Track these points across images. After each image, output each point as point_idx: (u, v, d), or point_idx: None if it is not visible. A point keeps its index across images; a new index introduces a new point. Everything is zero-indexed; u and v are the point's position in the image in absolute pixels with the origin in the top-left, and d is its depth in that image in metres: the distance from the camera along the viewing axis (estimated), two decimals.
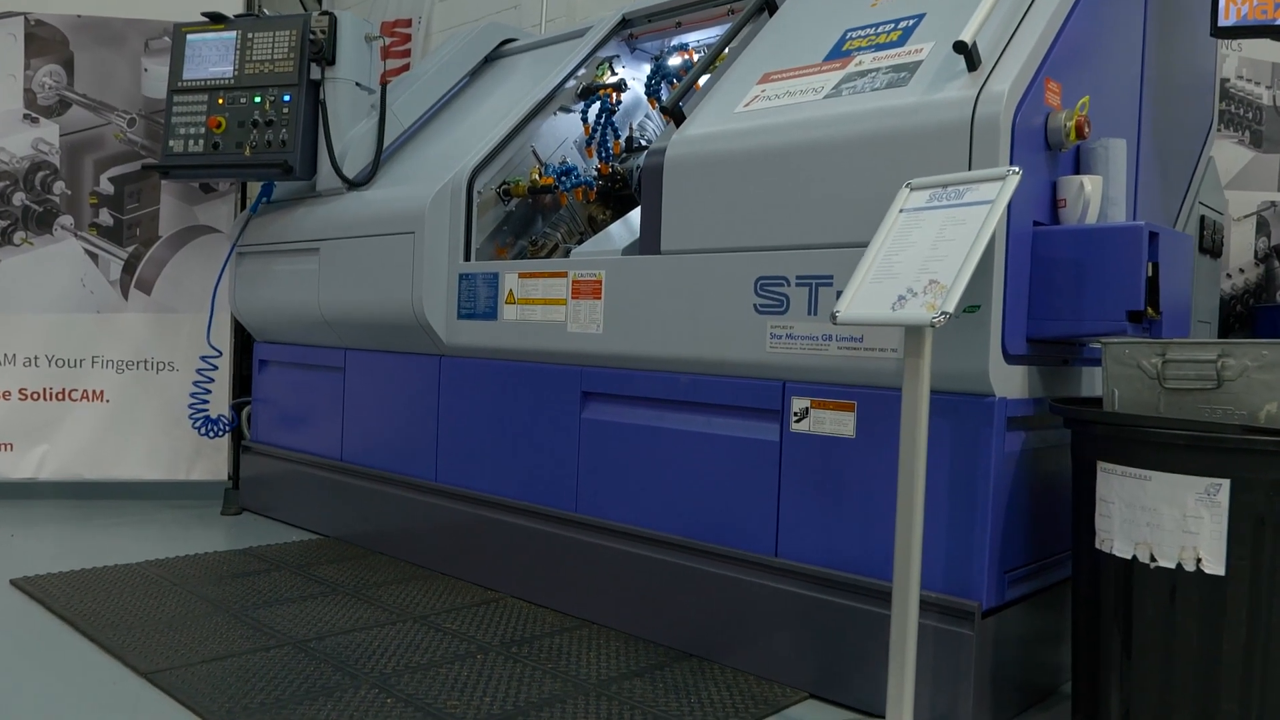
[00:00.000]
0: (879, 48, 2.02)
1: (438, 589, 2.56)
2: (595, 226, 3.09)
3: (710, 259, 2.06)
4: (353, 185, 3.05)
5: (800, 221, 1.91)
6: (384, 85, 3.15)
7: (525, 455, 2.50)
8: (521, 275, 2.49)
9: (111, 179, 3.54)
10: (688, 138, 2.16)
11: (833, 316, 1.62)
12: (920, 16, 2.02)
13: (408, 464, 2.87)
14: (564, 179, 2.78)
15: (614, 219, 3.09)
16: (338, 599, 2.42)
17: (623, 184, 3.02)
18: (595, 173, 2.94)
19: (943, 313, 1.46)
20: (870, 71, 1.95)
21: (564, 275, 2.38)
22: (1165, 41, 2.27)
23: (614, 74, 3.06)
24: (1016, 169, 1.56)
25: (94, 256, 3.54)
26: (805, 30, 2.27)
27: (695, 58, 2.80)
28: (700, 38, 2.96)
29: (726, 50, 2.40)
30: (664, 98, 2.85)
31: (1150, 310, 1.69)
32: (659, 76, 2.81)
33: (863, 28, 2.12)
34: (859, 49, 2.06)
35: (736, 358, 2.02)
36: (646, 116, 3.28)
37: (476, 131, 2.96)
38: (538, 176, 2.75)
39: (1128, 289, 1.65)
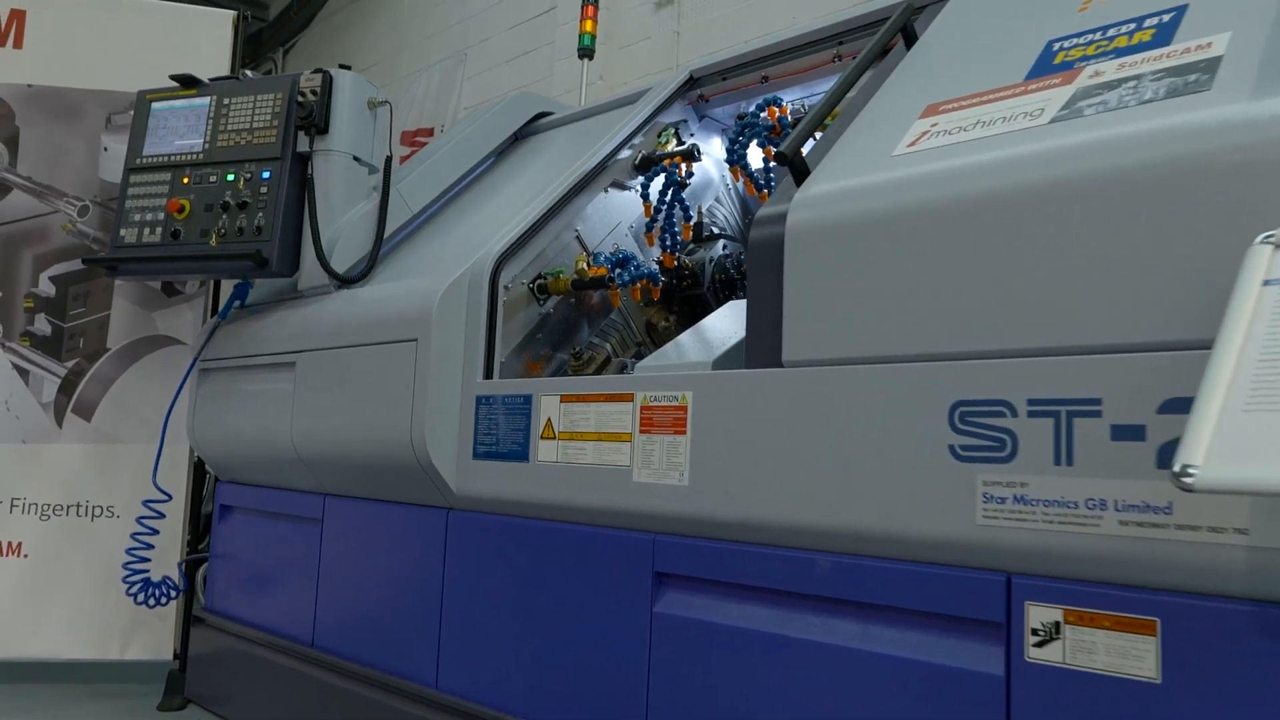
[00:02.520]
0: (1123, 52, 1.32)
1: None
2: (656, 337, 2.37)
3: (869, 374, 1.31)
4: (343, 281, 2.36)
5: (1036, 309, 1.17)
6: (388, 160, 2.50)
7: (566, 661, 1.71)
8: (565, 398, 1.75)
9: (53, 278, 2.88)
10: (819, 196, 1.45)
11: (1179, 477, 0.86)
12: (1182, 8, 1.34)
13: (399, 659, 2.07)
14: (620, 271, 2.07)
15: (679, 327, 2.37)
16: None
17: (691, 281, 2.31)
18: (657, 265, 2.24)
19: None
20: (1126, 80, 1.25)
21: (629, 399, 1.64)
22: None
23: (680, 143, 2.40)
24: None
25: (24, 373, 2.84)
26: (976, 51, 1.60)
27: (789, 115, 2.14)
28: (793, 97, 2.30)
29: (851, 93, 1.73)
30: (751, 166, 2.16)
31: None
32: (747, 135, 2.13)
33: (1079, 35, 1.43)
34: (1086, 58, 1.37)
35: (919, 531, 1.25)
36: (717, 200, 2.60)
37: (504, 213, 2.28)
38: (585, 266, 2.05)
39: None
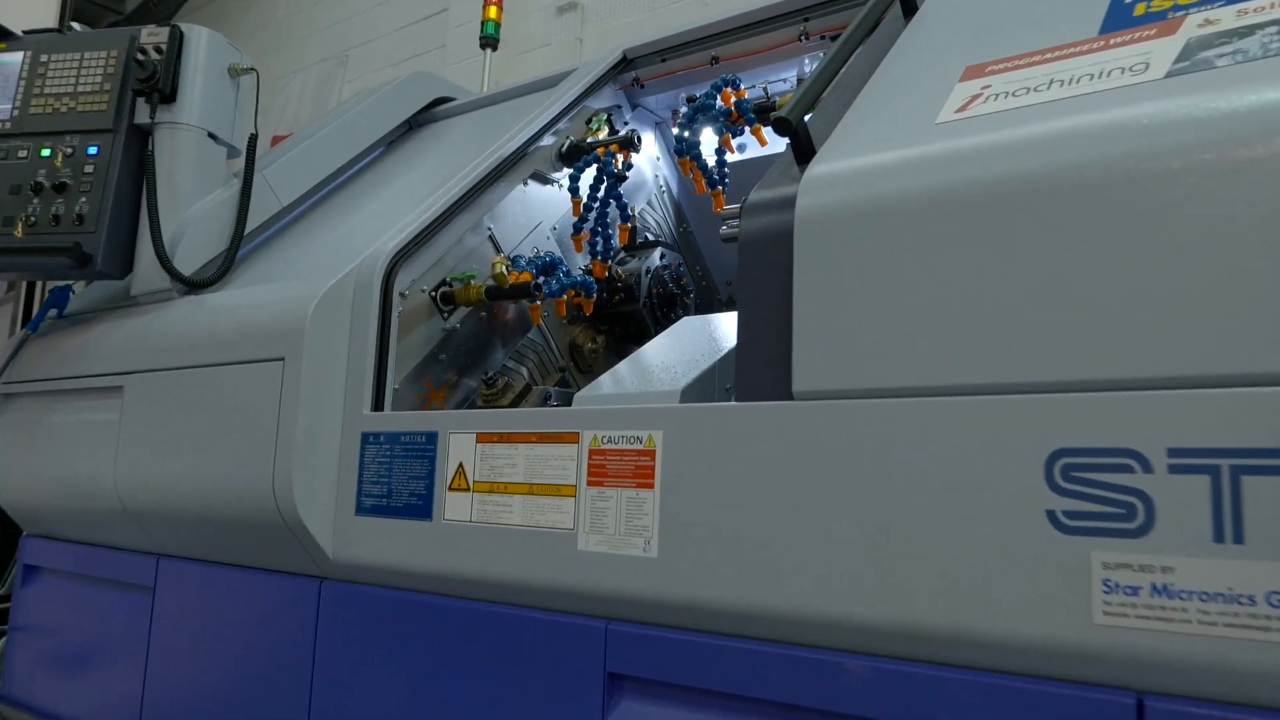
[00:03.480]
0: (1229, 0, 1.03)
1: None
2: (581, 361, 1.98)
3: (926, 410, 0.96)
4: (190, 285, 1.87)
5: (1182, 320, 0.84)
6: (253, 139, 2.04)
7: None
8: (484, 437, 1.34)
9: None
10: (839, 174, 1.10)
11: None
12: None
13: None
14: (547, 278, 1.68)
15: (608, 350, 1.99)
16: None
17: (624, 296, 1.94)
18: (586, 274, 1.86)
19: None
20: (1262, 26, 0.95)
21: (572, 439, 1.24)
22: None
23: (614, 131, 2.02)
24: None
25: None
26: (1009, 12, 1.29)
27: (748, 101, 1.80)
28: (749, 84, 1.97)
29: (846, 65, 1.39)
30: (704, 160, 1.81)
31: None
32: (701, 119, 1.78)
33: None
34: (1179, 7, 1.07)
35: (1002, 631, 0.89)
36: (649, 204, 2.24)
37: (398, 208, 1.85)
38: (504, 270, 1.64)
39: None
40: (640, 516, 1.15)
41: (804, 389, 1.05)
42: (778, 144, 1.81)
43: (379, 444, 1.47)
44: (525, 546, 1.26)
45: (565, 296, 1.72)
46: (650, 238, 2.15)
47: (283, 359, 1.54)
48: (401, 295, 1.62)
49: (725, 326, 1.53)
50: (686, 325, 1.59)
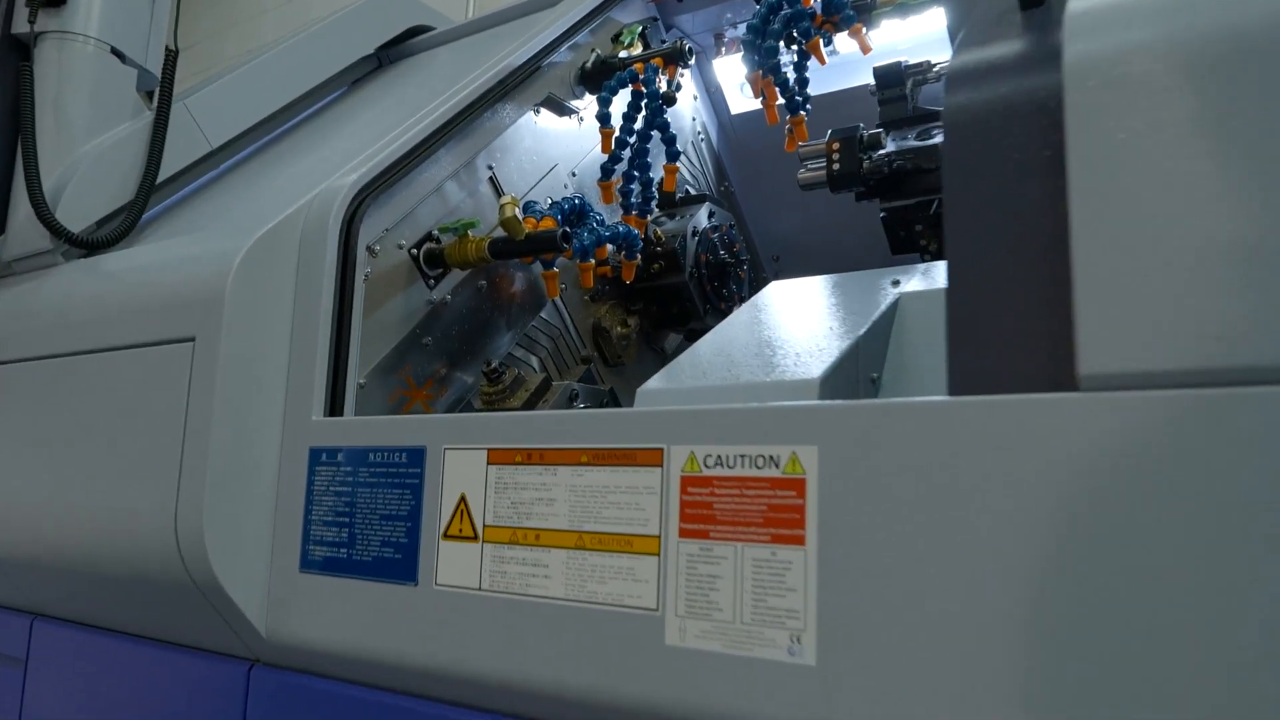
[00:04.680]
0: None
1: None
2: (608, 349, 1.50)
3: None
4: (79, 246, 1.37)
5: None
6: (171, 57, 1.54)
7: None
8: (500, 456, 0.85)
9: None
10: (1135, 6, 0.63)
11: None
12: None
13: None
14: (578, 227, 1.20)
15: (638, 337, 1.52)
16: None
17: (665, 264, 1.47)
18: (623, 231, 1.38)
19: None
20: None
21: (652, 460, 0.76)
22: None
23: (647, 47, 1.55)
24: None
25: None
26: None
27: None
28: None
29: None
30: (785, 75, 1.33)
31: None
32: (779, 23, 1.29)
33: None
34: None
35: None
36: (683, 156, 1.76)
37: (365, 139, 1.36)
38: (516, 214, 1.15)
39: None
40: (781, 592, 0.67)
41: (1105, 370, 0.58)
42: (877, 55, 1.35)
43: (336, 465, 0.98)
44: (573, 635, 0.77)
45: (600, 257, 1.24)
46: (692, 191, 1.68)
47: (192, 339, 1.04)
48: (370, 251, 1.13)
49: (840, 293, 1.06)
50: (778, 293, 1.12)
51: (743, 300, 1.62)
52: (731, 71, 1.81)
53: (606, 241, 1.22)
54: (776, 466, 0.69)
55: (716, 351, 0.93)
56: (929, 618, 0.62)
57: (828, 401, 0.69)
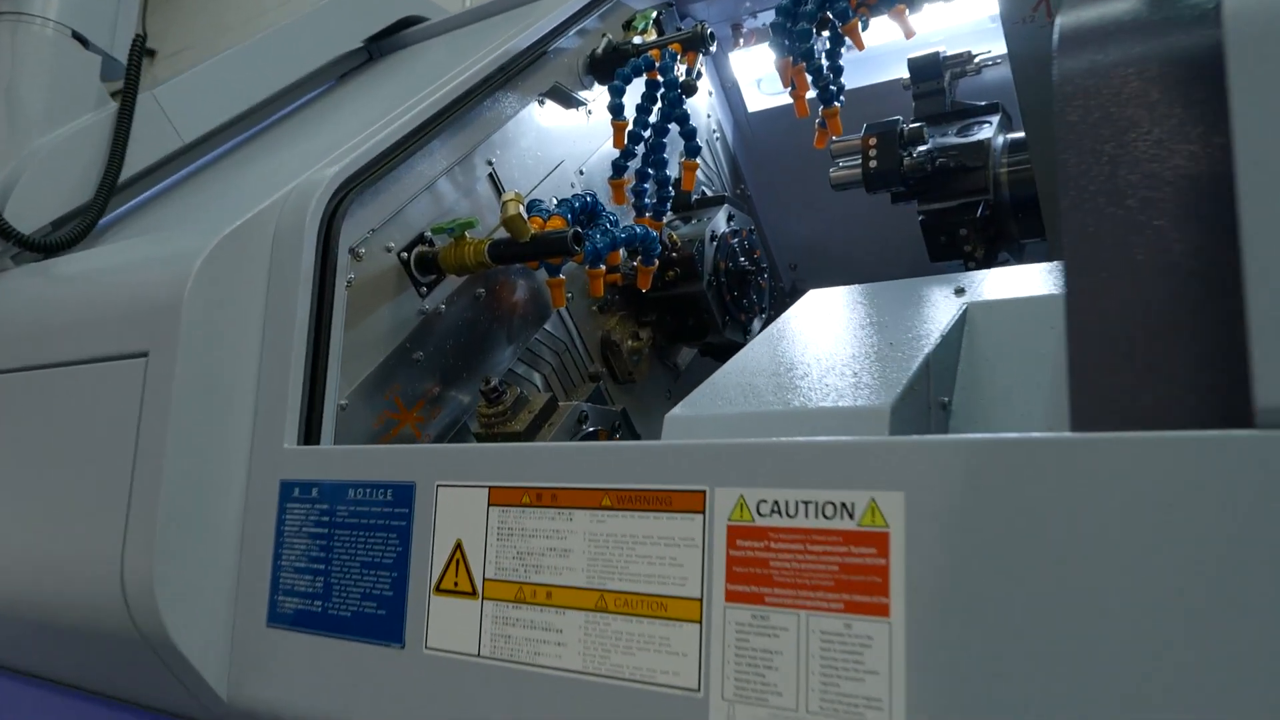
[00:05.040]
0: None
1: None
2: (618, 365, 1.36)
3: None
4: (31, 249, 1.23)
5: None
6: (139, 43, 1.40)
7: None
8: (504, 496, 0.71)
9: None
10: None
11: None
12: None
13: None
14: (589, 228, 1.07)
15: (650, 352, 1.39)
16: None
17: (681, 271, 1.33)
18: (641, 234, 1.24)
19: None
20: None
21: (691, 505, 0.62)
22: None
23: (662, 34, 1.42)
24: None
25: None
26: None
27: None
28: None
29: None
30: (820, 62, 1.19)
31: None
32: (806, 5, 1.16)
33: None
34: None
35: None
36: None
37: (351, 131, 1.22)
38: (520, 212, 1.01)
39: None
40: (859, 675, 0.54)
41: None
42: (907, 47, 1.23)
43: (310, 502, 0.84)
44: (591, 717, 0.63)
45: (612, 262, 1.11)
46: (708, 193, 1.55)
47: (145, 355, 0.90)
48: (353, 254, 1.00)
49: (893, 303, 0.93)
50: (821, 302, 0.98)
51: (764, 312, 1.49)
52: (749, 66, 1.68)
53: (622, 244, 1.08)
54: (851, 516, 0.56)
55: (759, 371, 0.79)
56: (1057, 710, 0.48)
57: (917, 437, 0.55)
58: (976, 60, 1.38)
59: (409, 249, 1.07)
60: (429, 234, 1.09)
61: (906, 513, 0.54)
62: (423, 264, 1.07)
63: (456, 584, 0.72)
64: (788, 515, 0.58)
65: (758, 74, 1.71)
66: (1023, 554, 0.50)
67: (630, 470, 0.65)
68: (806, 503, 0.57)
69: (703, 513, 0.61)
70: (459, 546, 0.72)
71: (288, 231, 0.94)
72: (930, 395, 0.74)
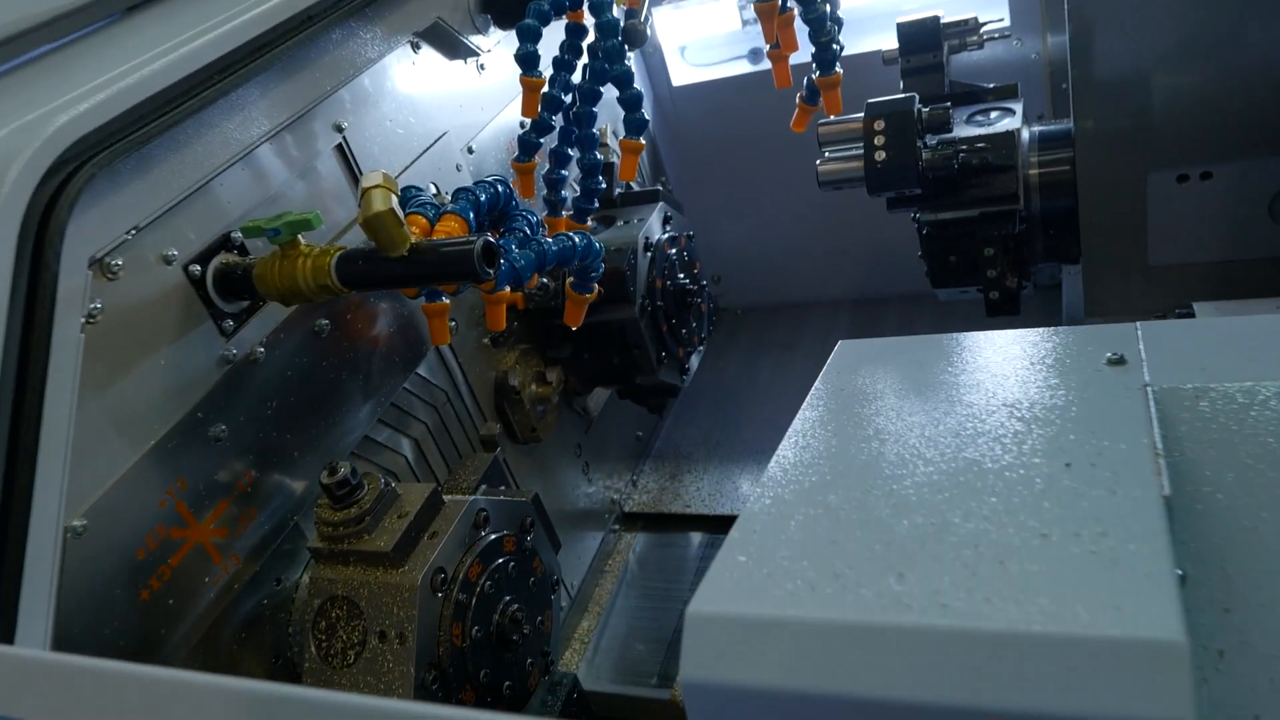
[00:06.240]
0: None
1: None
2: (519, 421, 0.98)
3: None
4: None
5: None
6: None
7: None
8: None
9: None
10: None
11: None
12: None
13: None
14: (504, 235, 0.69)
15: (560, 398, 1.01)
16: None
17: (609, 292, 0.97)
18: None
19: None
20: None
21: None
22: None
23: None
24: None
25: None
26: None
27: None
28: None
29: None
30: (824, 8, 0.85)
31: None
32: None
33: None
34: None
35: None
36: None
37: (115, 72, 0.79)
38: (394, 208, 0.62)
39: None
40: None
41: None
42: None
43: None
44: None
45: (529, 286, 0.73)
46: (634, 186, 1.18)
47: None
48: (101, 267, 0.58)
49: (1018, 377, 0.59)
50: (876, 370, 0.64)
51: (703, 344, 1.14)
52: (674, 29, 1.33)
53: (555, 262, 0.70)
54: None
55: (848, 516, 0.44)
56: None
57: None
58: (983, 31, 1.08)
59: (203, 259, 0.66)
60: (237, 235, 0.68)
61: None
62: (227, 284, 0.66)
63: None
64: None
65: (683, 39, 1.37)
66: None
67: None
68: None
69: None
70: None
71: None
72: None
